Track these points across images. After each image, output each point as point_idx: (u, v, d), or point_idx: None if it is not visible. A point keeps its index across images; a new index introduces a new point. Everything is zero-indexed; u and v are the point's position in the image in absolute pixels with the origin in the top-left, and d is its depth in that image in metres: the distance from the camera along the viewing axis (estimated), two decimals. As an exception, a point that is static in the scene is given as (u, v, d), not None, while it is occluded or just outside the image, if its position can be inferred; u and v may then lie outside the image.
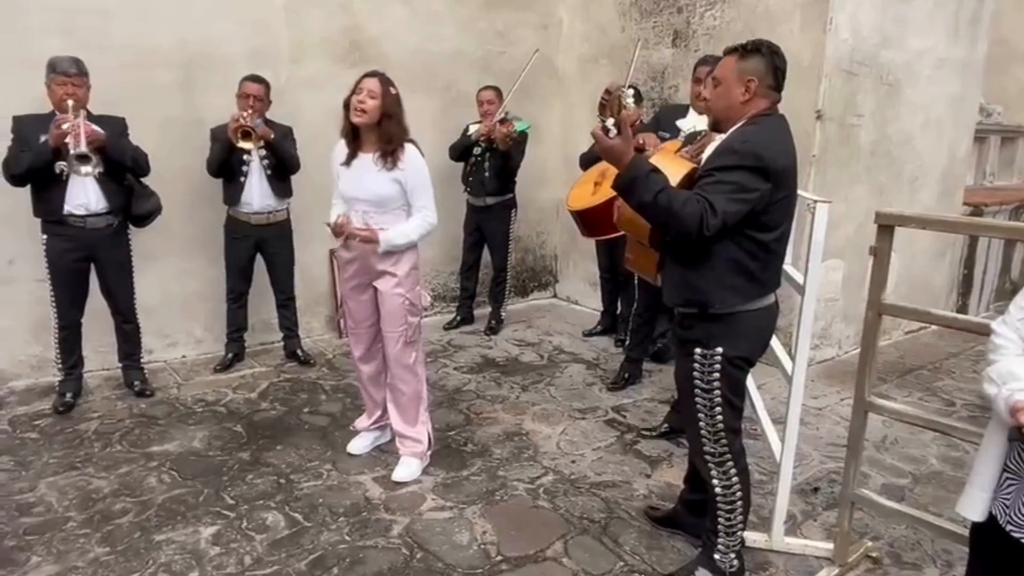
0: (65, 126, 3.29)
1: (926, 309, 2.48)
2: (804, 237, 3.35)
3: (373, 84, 2.90)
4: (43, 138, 3.39)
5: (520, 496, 3.05)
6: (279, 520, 2.83)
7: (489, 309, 5.37)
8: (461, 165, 5.03)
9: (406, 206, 3.04)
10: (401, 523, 2.83)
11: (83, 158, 3.31)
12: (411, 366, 3.18)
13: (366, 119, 2.89)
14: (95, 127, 3.44)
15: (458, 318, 5.37)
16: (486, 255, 5.28)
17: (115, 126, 3.62)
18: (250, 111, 3.94)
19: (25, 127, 3.43)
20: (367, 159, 2.97)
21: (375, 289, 3.11)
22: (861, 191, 4.66)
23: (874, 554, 2.68)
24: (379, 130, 2.92)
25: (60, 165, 3.39)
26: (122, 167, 3.59)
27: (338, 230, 2.95)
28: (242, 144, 3.91)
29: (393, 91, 2.94)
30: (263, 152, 4.09)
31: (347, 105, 2.94)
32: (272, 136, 4.03)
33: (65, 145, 3.30)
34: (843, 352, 4.87)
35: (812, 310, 2.53)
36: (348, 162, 3.02)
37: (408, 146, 2.99)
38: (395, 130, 2.93)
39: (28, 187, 3.52)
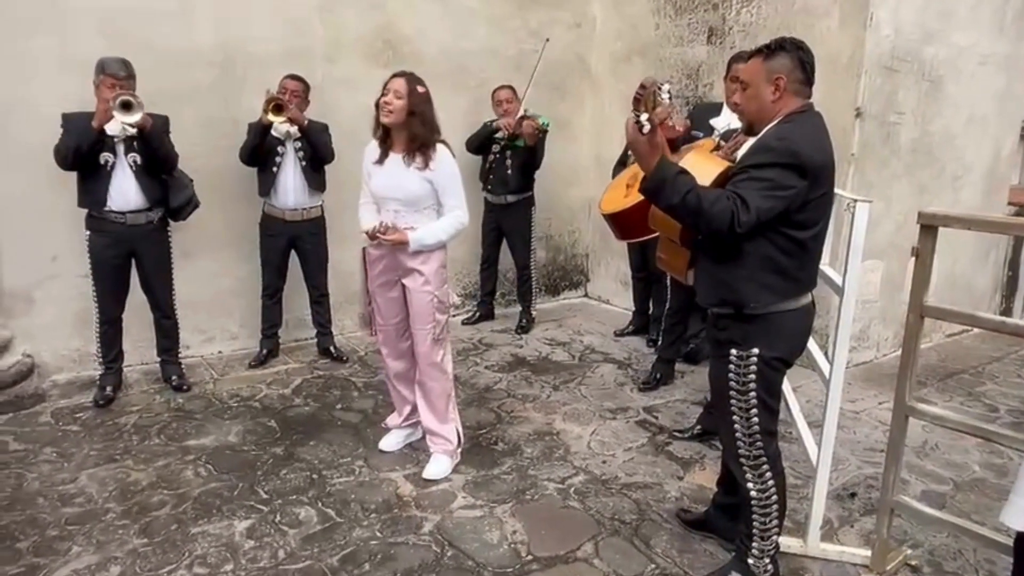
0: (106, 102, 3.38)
1: (970, 312, 2.42)
2: (842, 237, 3.29)
3: (399, 84, 2.92)
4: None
5: (550, 496, 3.04)
6: (312, 515, 2.86)
7: (519, 308, 5.37)
8: (480, 161, 5.03)
9: (437, 205, 3.06)
10: (432, 520, 2.84)
11: (127, 105, 3.38)
12: (439, 363, 3.19)
13: (393, 119, 2.92)
14: (144, 113, 3.50)
15: (478, 314, 5.39)
16: (507, 253, 5.28)
17: (157, 124, 3.68)
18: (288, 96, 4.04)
19: (73, 123, 3.51)
20: (398, 158, 3.00)
21: (403, 286, 3.14)
22: (901, 190, 4.56)
23: (913, 562, 2.62)
24: (406, 128, 2.95)
25: (105, 156, 3.49)
26: (156, 155, 3.62)
27: (373, 235, 2.99)
28: (271, 116, 3.96)
29: (421, 89, 2.95)
30: (298, 144, 4.14)
31: (378, 105, 2.97)
32: (305, 123, 4.08)
33: (108, 120, 3.41)
34: (881, 355, 4.77)
35: (851, 312, 2.48)
36: (380, 161, 3.05)
37: (440, 147, 3.01)
38: (420, 128, 2.94)
39: (73, 183, 3.62)
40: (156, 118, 3.64)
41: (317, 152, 4.19)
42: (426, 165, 2.96)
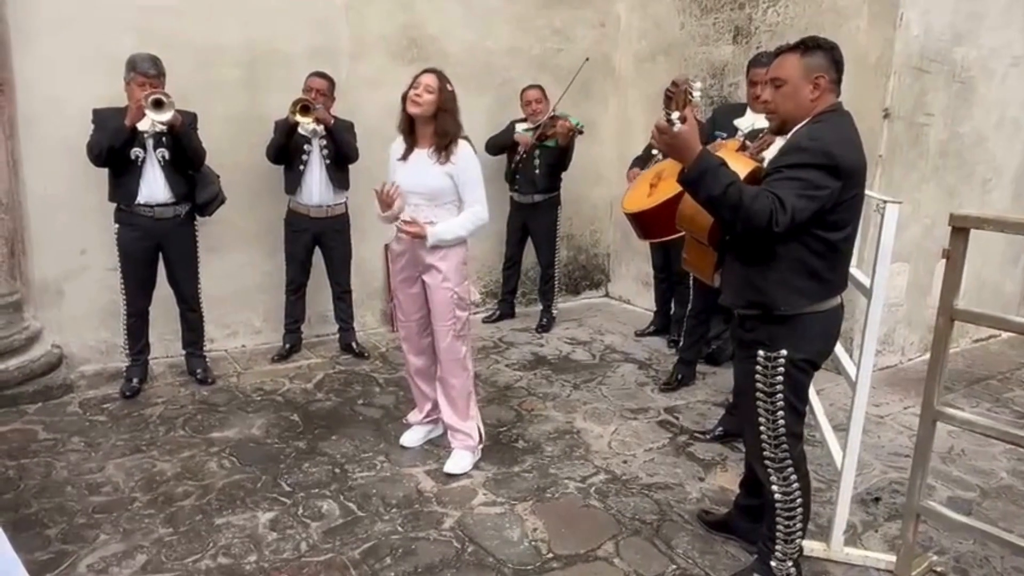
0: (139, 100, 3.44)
1: (1002, 316, 2.38)
2: (870, 239, 3.26)
3: (430, 79, 2.96)
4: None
5: (571, 494, 3.04)
6: (334, 509, 2.88)
7: (540, 307, 5.37)
8: (505, 161, 5.04)
9: (458, 201, 3.07)
10: (453, 516, 2.85)
11: (158, 103, 3.44)
12: (460, 360, 3.20)
13: (421, 111, 2.94)
14: (175, 112, 3.54)
15: (498, 312, 5.41)
16: (530, 252, 5.28)
17: (187, 119, 3.73)
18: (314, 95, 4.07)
19: (104, 119, 3.57)
20: (423, 154, 3.03)
21: (424, 282, 3.15)
22: (929, 193, 4.50)
23: (939, 568, 2.59)
24: (434, 124, 2.98)
25: (136, 151, 3.56)
26: (184, 152, 3.68)
27: (384, 196, 2.98)
28: (299, 118, 3.99)
29: (449, 87, 3.00)
30: (323, 142, 4.17)
31: (405, 99, 2.99)
32: (332, 122, 4.11)
33: (141, 119, 3.49)
34: (907, 359, 4.71)
35: (879, 314, 2.45)
36: (405, 157, 3.07)
37: (462, 142, 3.03)
38: (450, 125, 2.98)
39: (101, 178, 3.68)
40: (185, 115, 3.69)
41: (341, 151, 4.21)
42: (448, 159, 2.98)
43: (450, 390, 3.23)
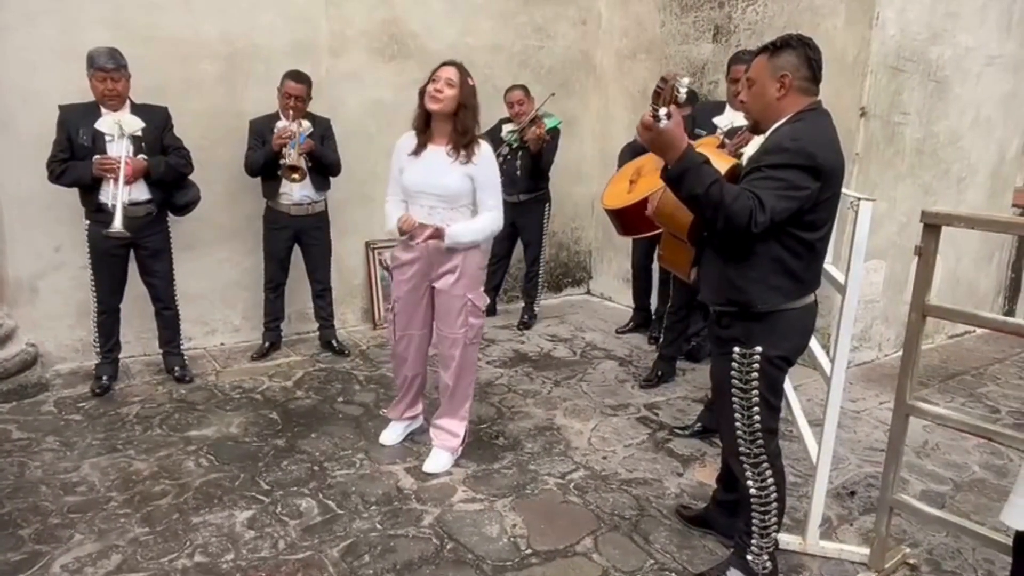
0: (110, 166, 3.50)
1: (972, 311, 2.41)
2: (845, 236, 3.29)
3: (451, 73, 2.84)
4: (83, 133, 3.51)
5: (551, 491, 3.05)
6: (312, 506, 2.87)
7: (522, 304, 5.38)
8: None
9: (472, 204, 2.98)
10: (432, 513, 2.85)
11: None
12: (469, 366, 3.15)
13: (441, 107, 2.82)
14: (140, 158, 3.58)
15: None
16: (516, 249, 5.28)
17: (157, 117, 3.69)
18: (297, 132, 3.99)
19: (69, 118, 3.54)
20: (439, 152, 2.91)
21: (432, 290, 3.06)
22: (905, 190, 4.55)
23: (912, 561, 2.62)
24: (455, 121, 2.86)
25: (106, 201, 3.55)
26: (166, 183, 3.73)
27: (405, 227, 2.90)
28: (293, 177, 3.99)
29: (471, 82, 2.88)
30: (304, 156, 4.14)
31: (422, 94, 2.88)
32: (315, 149, 4.09)
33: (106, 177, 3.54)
34: (883, 355, 4.77)
35: (853, 310, 2.48)
36: (417, 152, 2.94)
37: (482, 143, 2.93)
38: (470, 122, 2.86)
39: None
40: (155, 110, 3.67)
41: (328, 171, 4.22)
42: (469, 159, 2.87)
43: (452, 392, 3.16)
